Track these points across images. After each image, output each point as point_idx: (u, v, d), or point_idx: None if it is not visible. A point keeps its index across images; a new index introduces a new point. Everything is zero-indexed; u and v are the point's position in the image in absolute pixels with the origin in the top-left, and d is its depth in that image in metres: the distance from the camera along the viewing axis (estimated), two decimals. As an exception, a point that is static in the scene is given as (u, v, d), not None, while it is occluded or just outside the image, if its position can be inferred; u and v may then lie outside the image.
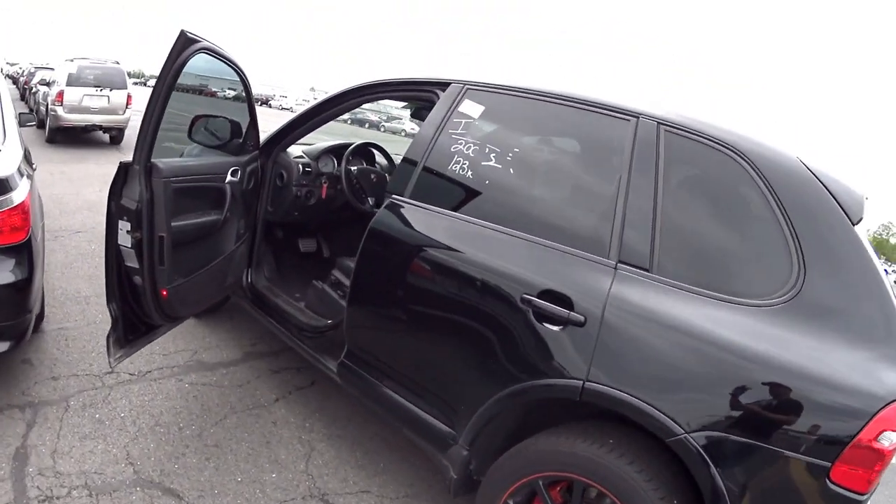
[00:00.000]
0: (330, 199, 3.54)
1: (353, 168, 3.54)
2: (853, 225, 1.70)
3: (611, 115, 2.08)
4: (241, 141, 2.91)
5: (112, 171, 2.30)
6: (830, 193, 1.73)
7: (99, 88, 10.78)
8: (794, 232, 1.70)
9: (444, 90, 2.53)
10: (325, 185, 3.49)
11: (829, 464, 1.51)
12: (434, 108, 2.50)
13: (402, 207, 2.37)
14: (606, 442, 1.81)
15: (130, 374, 3.00)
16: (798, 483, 1.57)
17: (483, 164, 2.27)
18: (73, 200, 6.44)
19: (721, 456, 1.61)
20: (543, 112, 2.30)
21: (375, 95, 2.93)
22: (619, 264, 1.87)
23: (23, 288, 2.48)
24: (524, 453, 1.98)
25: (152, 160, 2.25)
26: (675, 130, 1.93)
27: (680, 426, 1.64)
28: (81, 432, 2.50)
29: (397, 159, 4.10)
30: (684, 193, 1.94)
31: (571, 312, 1.85)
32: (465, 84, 2.47)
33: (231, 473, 2.46)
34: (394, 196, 2.40)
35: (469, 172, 2.29)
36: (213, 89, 3.28)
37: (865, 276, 1.65)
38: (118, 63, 11.62)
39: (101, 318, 3.54)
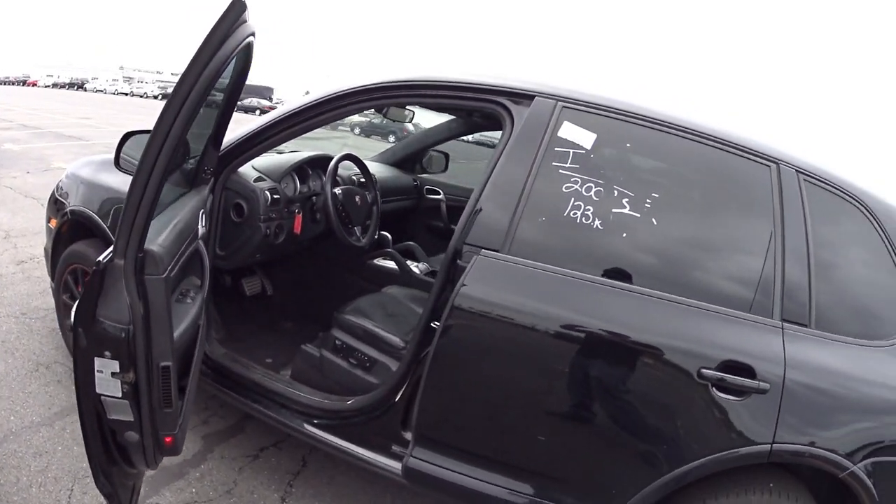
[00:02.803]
0: (302, 233, 2.71)
1: (338, 191, 2.71)
2: None
3: (751, 160, 1.92)
4: (192, 166, 1.97)
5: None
6: None
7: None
8: None
9: (519, 104, 1.98)
10: (298, 216, 2.64)
11: None
12: (516, 130, 1.93)
13: (510, 266, 1.82)
14: (769, 487, 1.83)
15: None
16: None
17: (615, 210, 1.83)
18: None
19: (874, 475, 1.76)
20: (673, 147, 1.94)
21: (391, 100, 2.23)
22: (784, 323, 1.81)
23: None
24: None
25: (146, 246, 1.36)
26: (813, 181, 1.91)
27: (851, 461, 1.75)
28: None
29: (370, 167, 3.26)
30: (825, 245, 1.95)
31: (760, 382, 1.74)
32: (557, 99, 1.94)
33: None
34: (484, 251, 1.82)
35: (597, 222, 1.82)
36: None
37: None
38: None
39: (13, 420, 2.52)
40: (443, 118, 3.74)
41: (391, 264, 3.08)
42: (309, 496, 2.39)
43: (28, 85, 59.16)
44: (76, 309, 1.37)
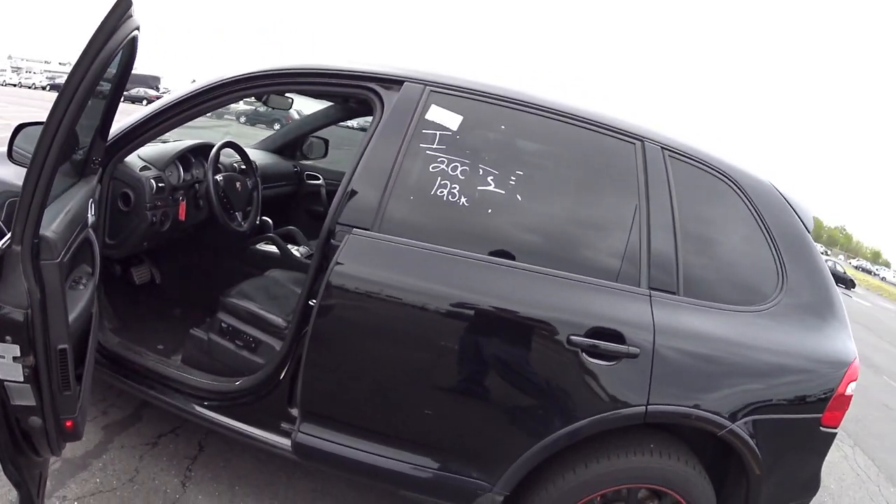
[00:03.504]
0: (187, 219, 2.75)
1: (219, 178, 2.77)
2: (808, 233, 2.11)
3: (615, 138, 2.06)
4: (81, 156, 1.97)
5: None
6: (794, 210, 2.10)
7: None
8: (776, 246, 2.03)
9: (389, 89, 2.07)
10: (182, 203, 2.67)
11: (821, 414, 1.97)
12: (385, 114, 2.03)
13: (380, 243, 1.91)
14: (649, 447, 1.96)
15: None
16: (802, 433, 2.02)
17: (480, 188, 1.96)
18: None
19: (755, 432, 1.91)
20: (539, 128, 2.08)
21: (272, 87, 2.29)
22: (651, 291, 1.94)
23: None
24: (576, 480, 1.96)
25: (41, 232, 1.40)
26: (678, 156, 2.05)
27: (727, 419, 1.88)
28: None
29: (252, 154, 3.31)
30: (692, 217, 2.08)
31: (629, 347, 1.86)
32: (425, 84, 2.05)
33: None
34: (356, 230, 1.92)
35: (463, 199, 1.95)
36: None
37: (817, 271, 2.08)
38: None
39: None
40: (322, 105, 3.83)
41: (273, 249, 3.17)
42: (207, 479, 2.46)
43: None
44: None
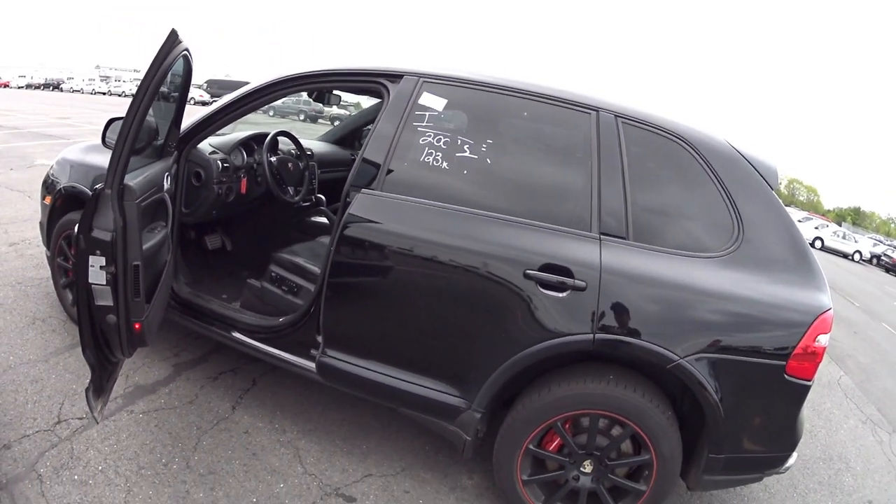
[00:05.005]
0: (248, 193, 3.38)
1: (272, 159, 3.41)
2: (772, 189, 2.28)
3: (573, 109, 2.39)
4: (160, 142, 2.60)
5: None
6: (753, 167, 2.28)
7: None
8: (732, 199, 2.22)
9: (393, 82, 2.55)
10: (244, 180, 3.31)
11: (784, 363, 2.10)
12: (389, 101, 2.51)
13: (380, 199, 2.38)
14: (608, 378, 2.22)
15: (79, 418, 2.68)
16: (763, 380, 2.15)
17: (458, 154, 2.38)
18: None
19: (708, 371, 2.11)
20: (509, 105, 2.47)
21: (307, 86, 2.83)
22: (602, 235, 2.22)
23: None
24: (540, 402, 2.28)
25: (125, 182, 1.98)
26: (631, 122, 2.33)
27: (676, 354, 2.10)
28: (72, 501, 2.21)
29: (309, 145, 4.02)
30: (644, 174, 2.33)
31: (576, 280, 2.17)
32: (420, 76, 2.51)
33: (243, 496, 2.40)
34: (364, 189, 2.41)
35: (444, 164, 2.38)
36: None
37: (782, 225, 2.24)
38: None
39: (11, 359, 3.06)
40: (374, 101, 4.47)
41: (324, 220, 3.82)
42: (254, 406, 3.00)
43: (0, 86, 54.90)
44: (79, 222, 1.99)
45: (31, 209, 5.65)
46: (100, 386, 2.19)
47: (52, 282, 3.59)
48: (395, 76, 2.55)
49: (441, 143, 2.39)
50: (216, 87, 39.32)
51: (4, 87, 53.99)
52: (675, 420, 2.25)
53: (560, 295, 2.17)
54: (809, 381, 2.14)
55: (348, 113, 12.87)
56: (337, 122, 7.08)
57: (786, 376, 2.11)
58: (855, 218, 79.63)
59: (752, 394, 2.17)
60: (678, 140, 2.29)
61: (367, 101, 4.99)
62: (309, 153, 3.81)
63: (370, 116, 4.52)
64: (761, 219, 2.21)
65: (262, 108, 3.11)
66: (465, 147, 2.38)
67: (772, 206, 2.24)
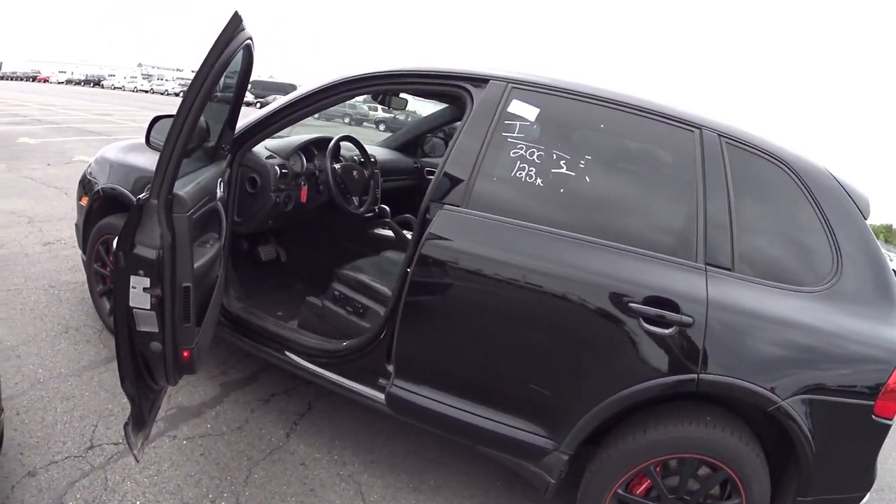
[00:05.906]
0: (308, 203, 3.10)
1: (336, 166, 3.11)
2: (864, 219, 2.13)
3: (677, 126, 2.18)
4: (212, 144, 2.29)
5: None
6: (850, 196, 2.12)
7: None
8: (832, 230, 2.07)
9: (478, 87, 2.32)
10: (304, 188, 3.03)
11: (873, 402, 1.97)
12: (473, 108, 2.28)
13: (466, 217, 2.14)
14: (706, 419, 2.06)
15: (114, 443, 2.42)
16: (852, 420, 2.01)
17: (554, 171, 2.15)
18: None
19: (804, 412, 1.97)
20: (607, 118, 2.24)
21: (380, 87, 2.59)
22: (707, 266, 2.05)
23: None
24: (634, 444, 2.09)
25: (175, 191, 1.67)
26: (734, 143, 2.15)
27: (778, 396, 1.95)
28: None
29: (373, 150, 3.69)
30: (747, 200, 2.16)
31: (682, 316, 1.98)
32: (508, 81, 2.28)
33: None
34: (446, 205, 2.16)
35: (539, 180, 2.15)
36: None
37: (874, 259, 2.09)
38: None
39: (41, 372, 2.82)
40: (438, 106, 4.15)
41: (389, 233, 3.47)
42: (311, 433, 2.73)
43: (38, 81, 56.85)
44: (119, 237, 1.70)
45: (68, 206, 5.47)
46: (140, 420, 1.93)
47: (87, 287, 3.36)
48: (481, 80, 2.32)
49: (534, 156, 2.16)
50: (260, 89, 38.70)
51: (44, 81, 55.02)
52: (766, 463, 2.09)
53: (665, 331, 1.98)
54: (892, 420, 2.02)
55: (394, 117, 12.53)
56: (382, 127, 6.82)
57: (873, 417, 1.99)
58: (887, 235, 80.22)
59: (841, 434, 2.04)
60: (781, 164, 2.13)
61: (422, 107, 4.66)
62: (373, 160, 3.51)
63: (434, 123, 4.24)
64: (857, 252, 2.07)
65: None
66: (562, 162, 2.14)
67: (866, 239, 2.10)
